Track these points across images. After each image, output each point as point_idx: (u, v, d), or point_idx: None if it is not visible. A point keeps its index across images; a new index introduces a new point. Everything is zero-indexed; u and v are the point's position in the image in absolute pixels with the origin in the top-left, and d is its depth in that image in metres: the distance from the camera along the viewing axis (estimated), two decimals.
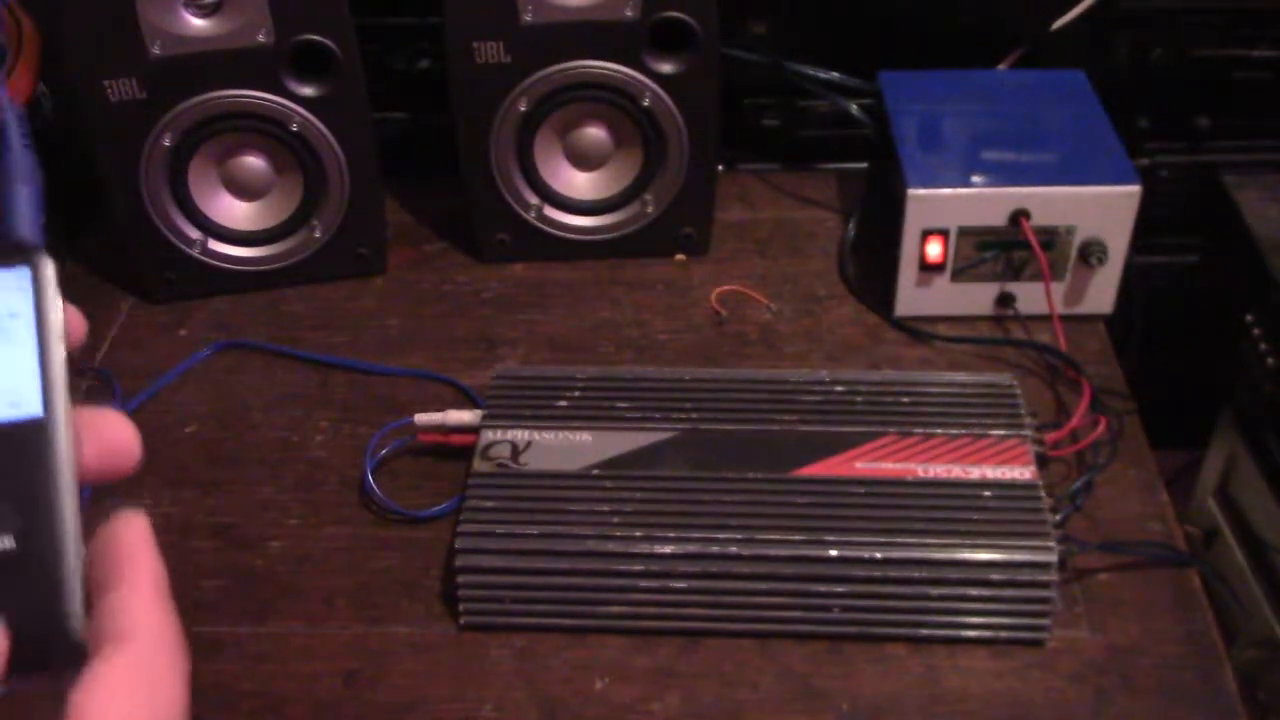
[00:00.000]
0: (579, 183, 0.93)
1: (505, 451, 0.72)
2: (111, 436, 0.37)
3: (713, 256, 0.95)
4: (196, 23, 0.82)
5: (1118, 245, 0.84)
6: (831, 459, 0.71)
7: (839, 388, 0.76)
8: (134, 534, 0.36)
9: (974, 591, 0.66)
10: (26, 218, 0.40)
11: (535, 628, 0.69)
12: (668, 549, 0.67)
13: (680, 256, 0.95)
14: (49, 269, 0.37)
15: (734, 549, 0.67)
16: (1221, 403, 1.00)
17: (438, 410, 0.77)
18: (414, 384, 0.86)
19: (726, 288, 0.92)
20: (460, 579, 0.68)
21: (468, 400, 0.83)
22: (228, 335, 0.90)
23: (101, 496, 0.40)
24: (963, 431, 0.72)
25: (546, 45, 0.85)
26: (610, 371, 0.78)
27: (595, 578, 0.67)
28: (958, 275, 0.86)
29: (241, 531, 0.76)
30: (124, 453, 0.37)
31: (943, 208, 0.84)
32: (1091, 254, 0.84)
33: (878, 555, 0.66)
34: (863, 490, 0.69)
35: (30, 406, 0.36)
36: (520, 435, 0.73)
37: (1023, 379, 0.79)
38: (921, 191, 0.83)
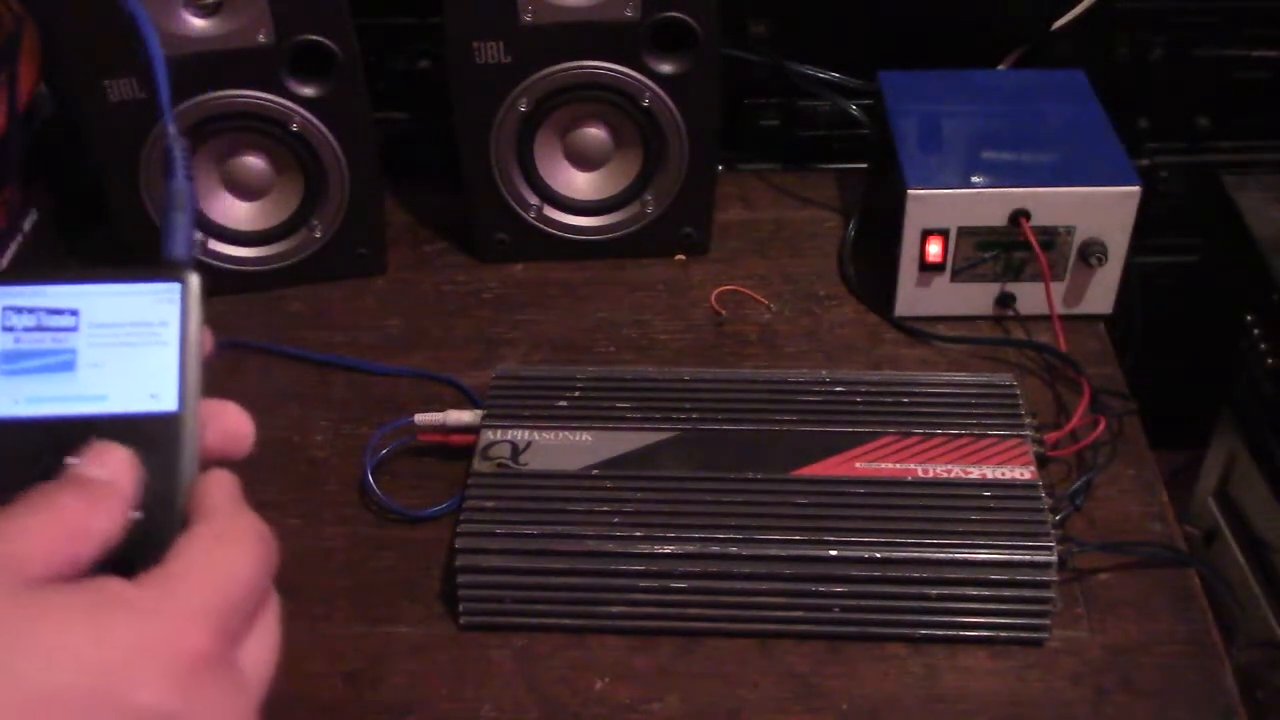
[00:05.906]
0: (579, 183, 0.93)
1: (505, 451, 0.72)
2: (231, 426, 0.43)
3: (713, 256, 0.95)
4: (196, 23, 0.82)
5: (1118, 245, 0.84)
6: (831, 459, 0.71)
7: (839, 388, 0.76)
8: (215, 478, 0.42)
9: (973, 591, 0.66)
10: (181, 240, 0.45)
11: (535, 628, 0.69)
12: (668, 549, 0.67)
13: (680, 256, 0.95)
14: (195, 285, 0.42)
15: (734, 549, 0.67)
16: (1221, 403, 1.00)
17: (438, 410, 0.77)
18: (414, 384, 0.86)
19: (726, 288, 0.92)
20: (460, 579, 0.68)
21: (468, 400, 0.83)
22: (227, 335, 0.90)
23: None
24: (963, 431, 0.72)
25: (546, 45, 0.85)
26: (610, 371, 0.78)
27: (595, 578, 0.67)
28: (958, 275, 0.86)
29: None
30: (240, 439, 0.43)
31: (943, 208, 0.84)
32: (1091, 254, 0.84)
33: (877, 555, 0.66)
34: (862, 490, 0.69)
35: (168, 402, 0.41)
36: (520, 435, 0.73)
37: (1023, 379, 0.79)
38: (921, 191, 0.83)
